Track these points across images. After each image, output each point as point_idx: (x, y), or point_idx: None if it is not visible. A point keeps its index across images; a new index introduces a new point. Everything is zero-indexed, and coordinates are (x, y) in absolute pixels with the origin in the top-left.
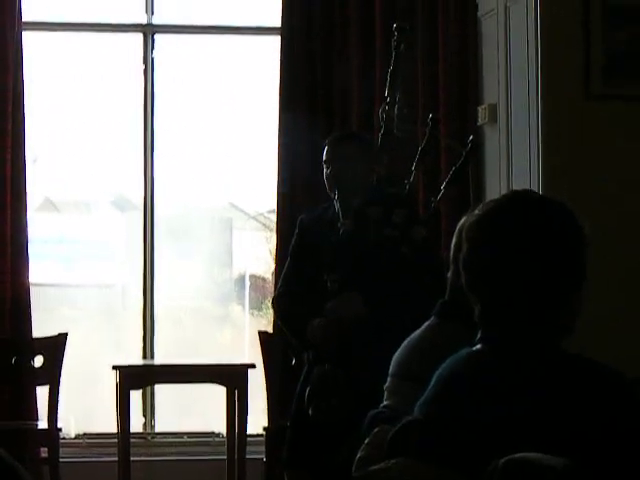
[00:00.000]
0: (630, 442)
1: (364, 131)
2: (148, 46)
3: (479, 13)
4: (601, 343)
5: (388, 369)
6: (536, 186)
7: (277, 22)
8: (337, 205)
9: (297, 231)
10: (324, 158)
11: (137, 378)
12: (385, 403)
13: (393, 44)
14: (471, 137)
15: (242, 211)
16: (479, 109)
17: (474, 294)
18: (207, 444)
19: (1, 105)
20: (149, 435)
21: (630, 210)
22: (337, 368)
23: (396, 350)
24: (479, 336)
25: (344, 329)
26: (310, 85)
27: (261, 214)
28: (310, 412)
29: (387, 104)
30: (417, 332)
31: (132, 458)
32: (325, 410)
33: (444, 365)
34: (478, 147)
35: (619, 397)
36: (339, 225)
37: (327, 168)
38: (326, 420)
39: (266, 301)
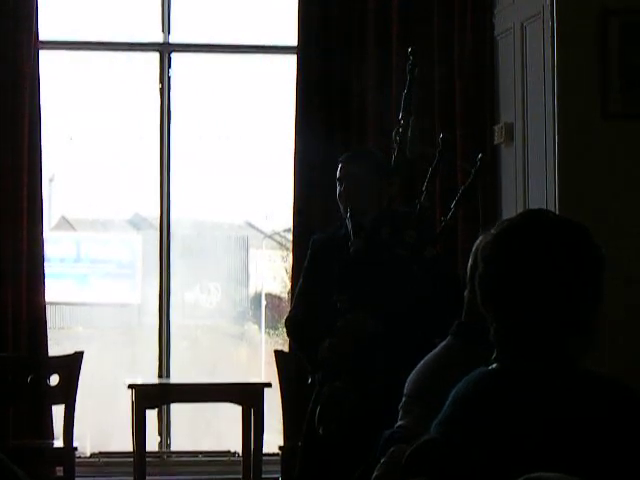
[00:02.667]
0: None
1: (380, 149)
2: (165, 65)
3: (495, 32)
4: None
5: (399, 383)
6: (552, 205)
7: (293, 41)
8: (349, 224)
9: (309, 251)
10: (337, 176)
11: (153, 397)
12: (400, 423)
13: (408, 68)
14: (480, 156)
15: (258, 230)
16: (495, 128)
17: (490, 313)
18: (223, 463)
19: (18, 123)
20: (165, 454)
21: None
22: (347, 387)
23: (407, 366)
24: (495, 356)
25: (354, 346)
26: (326, 104)
27: (277, 233)
28: (321, 431)
29: (400, 127)
30: (433, 352)
31: (148, 477)
32: (335, 429)
33: (460, 385)
34: (489, 166)
35: (637, 416)
36: (350, 244)
37: (340, 186)
38: (337, 439)
39: (282, 320)
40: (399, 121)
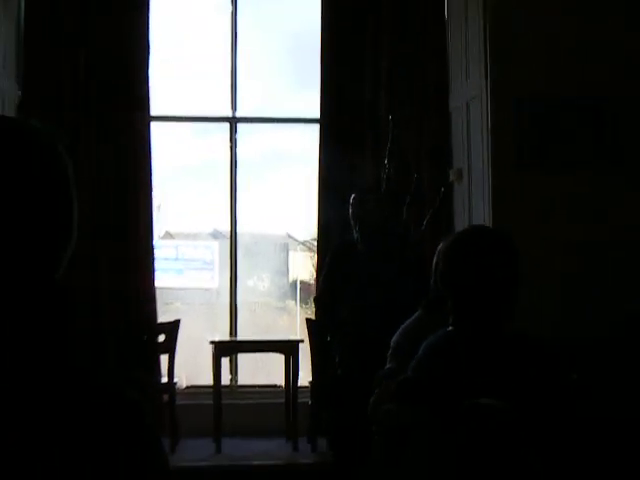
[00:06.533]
0: (554, 391)
1: (379, 179)
2: (233, 132)
3: (450, 108)
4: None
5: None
6: (488, 222)
7: (317, 114)
8: (357, 234)
9: (333, 251)
10: (351, 202)
11: (226, 349)
12: (388, 365)
13: (390, 130)
14: (442, 189)
15: (294, 239)
16: (450, 171)
17: (447, 294)
18: (271, 392)
19: (136, 171)
20: (234, 387)
21: (549, 234)
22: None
23: (398, 326)
24: (451, 321)
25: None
26: (343, 149)
27: (308, 241)
28: (339, 372)
29: (387, 170)
30: (409, 320)
31: (223, 402)
32: (351, 371)
33: (427, 341)
34: (448, 197)
35: (549, 359)
36: (358, 247)
37: (353, 212)
38: (351, 378)
39: (311, 298)
40: (385, 165)
